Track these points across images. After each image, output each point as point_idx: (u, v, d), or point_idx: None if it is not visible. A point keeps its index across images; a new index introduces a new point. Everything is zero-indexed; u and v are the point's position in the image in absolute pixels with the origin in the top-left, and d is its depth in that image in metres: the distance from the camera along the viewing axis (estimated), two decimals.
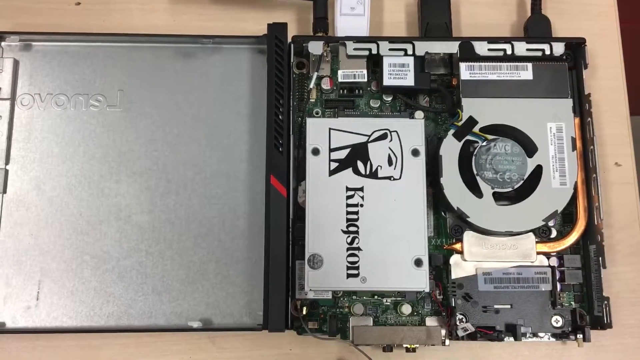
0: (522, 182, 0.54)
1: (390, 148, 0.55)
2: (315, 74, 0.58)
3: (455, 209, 0.54)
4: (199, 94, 0.59)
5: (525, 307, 0.53)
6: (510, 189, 0.54)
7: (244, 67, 0.59)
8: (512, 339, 0.53)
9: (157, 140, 0.58)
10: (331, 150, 0.55)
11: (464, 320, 0.53)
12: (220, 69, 0.59)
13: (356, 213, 0.54)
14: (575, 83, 0.57)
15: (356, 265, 0.53)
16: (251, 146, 0.58)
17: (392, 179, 0.55)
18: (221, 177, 0.57)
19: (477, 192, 0.54)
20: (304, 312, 0.54)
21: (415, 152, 0.55)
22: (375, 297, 0.55)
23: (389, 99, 0.58)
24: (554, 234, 0.55)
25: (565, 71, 0.56)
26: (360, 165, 0.55)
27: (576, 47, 0.58)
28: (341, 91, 0.59)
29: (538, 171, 0.54)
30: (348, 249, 0.53)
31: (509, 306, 0.53)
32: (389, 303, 0.55)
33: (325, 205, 0.54)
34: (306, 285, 0.53)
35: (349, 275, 0.53)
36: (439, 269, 0.55)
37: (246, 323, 0.55)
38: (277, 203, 0.54)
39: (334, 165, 0.55)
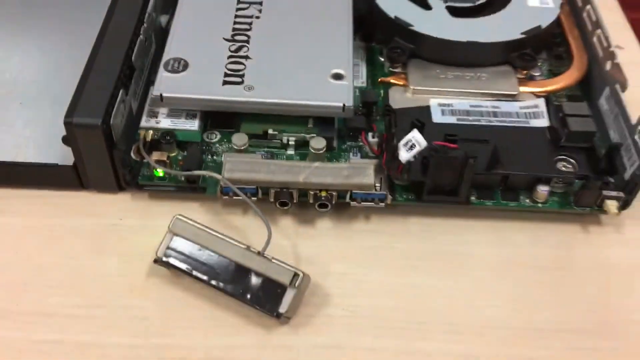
0: None
1: None
2: None
3: (393, 17, 0.37)
4: None
5: (511, 146, 0.33)
6: (470, 4, 0.38)
7: None
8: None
9: None
10: None
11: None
12: None
13: (249, 23, 0.36)
14: None
15: (240, 73, 0.34)
16: None
17: None
18: None
19: (422, 4, 0.38)
20: (148, 139, 0.33)
21: None
22: (270, 131, 0.34)
23: None
24: (537, 73, 0.37)
25: None
26: None
27: None
28: None
29: None
30: (230, 57, 0.35)
31: (484, 142, 0.33)
32: (291, 152, 0.34)
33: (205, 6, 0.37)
34: (156, 88, 0.33)
35: (226, 83, 0.33)
36: (371, 109, 0.36)
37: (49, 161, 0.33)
38: None
39: None
